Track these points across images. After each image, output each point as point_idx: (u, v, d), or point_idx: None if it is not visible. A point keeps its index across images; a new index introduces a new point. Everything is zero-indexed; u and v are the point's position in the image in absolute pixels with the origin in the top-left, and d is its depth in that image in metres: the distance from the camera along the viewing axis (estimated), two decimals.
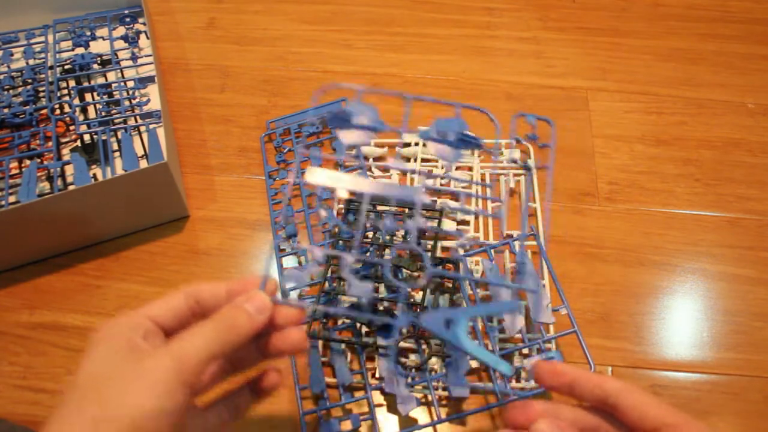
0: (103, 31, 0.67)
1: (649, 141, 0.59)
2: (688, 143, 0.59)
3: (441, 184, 0.54)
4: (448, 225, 0.51)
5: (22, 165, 0.54)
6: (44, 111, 0.55)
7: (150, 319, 0.30)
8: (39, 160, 0.53)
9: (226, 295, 0.31)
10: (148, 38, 0.66)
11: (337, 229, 0.49)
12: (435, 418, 0.42)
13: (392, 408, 0.44)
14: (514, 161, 0.56)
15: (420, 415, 0.44)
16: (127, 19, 0.68)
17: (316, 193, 0.54)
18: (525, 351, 0.44)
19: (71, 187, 0.49)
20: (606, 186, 0.56)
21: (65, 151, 0.55)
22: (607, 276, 0.50)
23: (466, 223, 0.52)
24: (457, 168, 0.55)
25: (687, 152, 0.58)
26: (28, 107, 0.55)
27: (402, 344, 0.45)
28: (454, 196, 0.54)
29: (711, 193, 0.56)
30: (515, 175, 0.55)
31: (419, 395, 0.43)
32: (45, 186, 0.52)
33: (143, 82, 0.60)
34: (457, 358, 0.42)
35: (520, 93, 0.63)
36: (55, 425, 0.26)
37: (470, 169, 0.55)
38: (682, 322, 0.48)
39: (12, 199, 0.52)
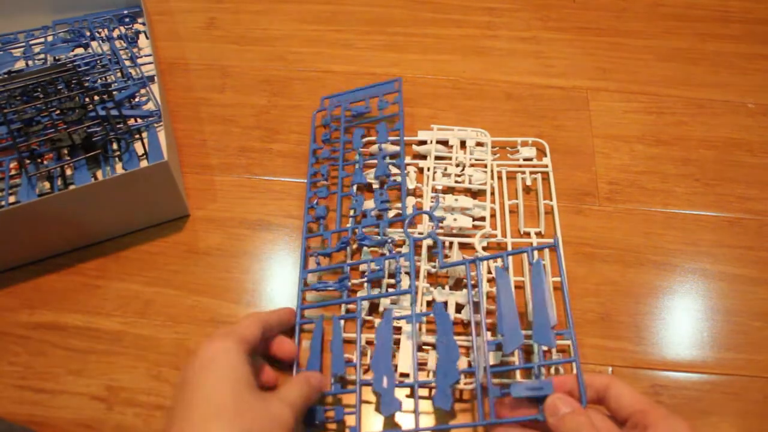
0: (102, 32, 0.67)
1: (649, 141, 0.59)
2: (688, 143, 0.59)
3: (456, 181, 0.54)
4: (464, 221, 0.51)
5: (23, 165, 0.54)
6: (43, 112, 0.55)
7: (247, 341, 0.37)
8: (39, 160, 0.53)
9: (277, 320, 0.43)
10: (147, 38, 0.66)
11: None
12: (416, 426, 0.40)
13: (379, 406, 0.43)
14: (529, 159, 0.57)
15: (405, 418, 0.43)
16: (127, 19, 0.69)
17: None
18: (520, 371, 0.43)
19: (71, 187, 0.49)
20: (606, 186, 0.56)
21: (65, 152, 0.55)
22: (607, 276, 0.50)
23: (482, 219, 0.52)
24: (472, 165, 0.55)
25: (687, 152, 0.58)
26: (27, 107, 0.55)
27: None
28: (470, 193, 0.54)
29: (711, 193, 0.56)
30: (531, 173, 0.55)
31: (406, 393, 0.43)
32: (45, 186, 0.52)
33: (143, 81, 0.60)
34: (447, 368, 0.40)
35: (520, 93, 0.63)
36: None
37: (485, 166, 0.55)
38: (682, 322, 0.48)
39: (12, 199, 0.52)
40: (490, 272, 0.48)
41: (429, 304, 0.47)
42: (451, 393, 0.40)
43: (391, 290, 0.47)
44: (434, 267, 0.49)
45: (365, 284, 0.48)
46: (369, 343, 0.45)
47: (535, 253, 0.42)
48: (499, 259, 0.46)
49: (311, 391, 0.39)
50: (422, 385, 0.43)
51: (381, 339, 0.43)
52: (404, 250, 0.50)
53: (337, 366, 0.43)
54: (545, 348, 0.43)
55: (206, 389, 0.33)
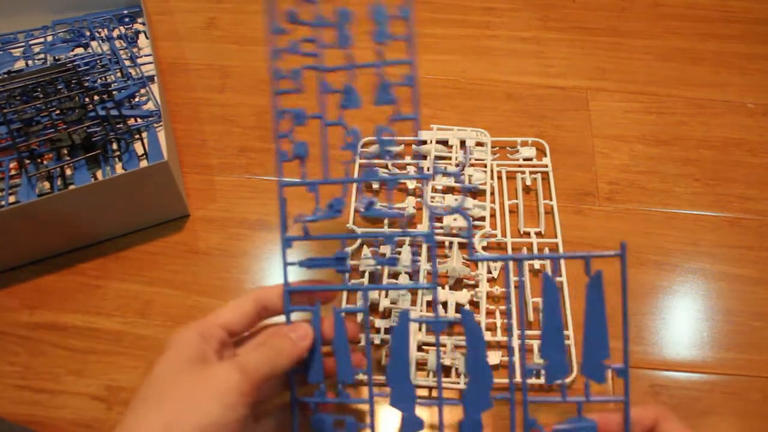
0: (102, 32, 0.67)
1: (649, 141, 0.59)
2: (688, 143, 0.59)
3: (456, 181, 0.54)
4: (464, 221, 0.50)
5: (23, 165, 0.54)
6: (43, 111, 0.55)
7: (222, 327, 0.33)
8: (39, 160, 0.53)
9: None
10: (147, 38, 0.66)
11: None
12: None
13: (393, 416, 0.40)
14: (529, 159, 0.57)
15: None
16: (127, 19, 0.69)
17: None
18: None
19: (71, 187, 0.49)
20: (606, 186, 0.56)
21: (65, 152, 0.55)
22: (606, 276, 0.50)
23: (482, 219, 0.52)
24: (472, 165, 0.55)
25: (687, 152, 0.59)
26: (27, 107, 0.55)
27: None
28: (470, 192, 0.54)
29: (711, 193, 0.56)
30: (531, 173, 0.55)
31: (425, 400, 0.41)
32: (45, 186, 0.52)
33: (143, 81, 0.60)
34: (478, 395, 0.34)
35: (520, 93, 0.63)
36: (126, 428, 0.28)
37: (485, 166, 0.55)
38: (682, 322, 0.48)
39: (12, 199, 0.52)
40: (490, 272, 0.48)
41: (429, 304, 0.47)
42: (482, 422, 0.35)
43: (399, 291, 0.47)
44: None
45: (375, 272, 0.44)
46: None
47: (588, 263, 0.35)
48: (546, 263, 0.44)
49: (276, 357, 0.33)
50: (447, 404, 0.37)
51: (397, 346, 0.36)
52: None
53: (344, 372, 0.36)
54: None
55: (153, 374, 0.31)
